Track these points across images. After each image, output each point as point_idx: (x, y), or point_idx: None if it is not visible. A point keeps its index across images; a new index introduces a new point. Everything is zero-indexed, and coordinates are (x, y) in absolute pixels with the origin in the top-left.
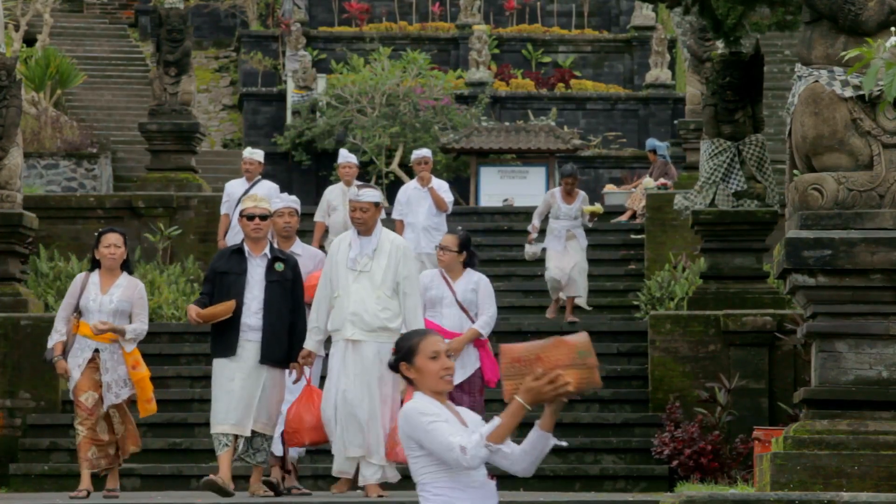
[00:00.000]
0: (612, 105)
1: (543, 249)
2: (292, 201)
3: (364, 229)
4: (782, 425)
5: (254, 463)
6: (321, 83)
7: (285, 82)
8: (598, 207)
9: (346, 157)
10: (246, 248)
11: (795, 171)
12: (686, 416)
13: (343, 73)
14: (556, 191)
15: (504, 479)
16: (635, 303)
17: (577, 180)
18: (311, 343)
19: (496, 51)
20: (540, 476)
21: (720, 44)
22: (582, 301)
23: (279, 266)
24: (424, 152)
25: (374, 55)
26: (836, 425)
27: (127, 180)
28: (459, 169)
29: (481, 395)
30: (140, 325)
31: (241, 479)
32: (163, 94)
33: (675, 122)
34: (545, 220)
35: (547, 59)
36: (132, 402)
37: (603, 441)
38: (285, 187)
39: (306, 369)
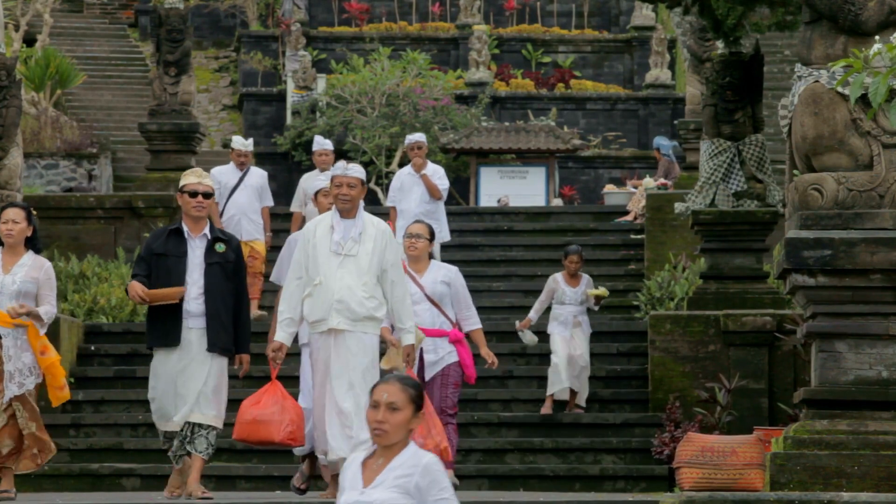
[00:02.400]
0: (612, 105)
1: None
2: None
3: (349, 208)
4: (782, 425)
5: (194, 452)
6: (321, 83)
7: (285, 82)
8: (603, 291)
9: (321, 143)
10: (185, 227)
11: (795, 171)
12: (686, 416)
13: (343, 74)
14: (559, 275)
15: (503, 480)
16: (635, 303)
17: (582, 259)
18: (282, 335)
19: (496, 51)
20: (540, 476)
21: (720, 44)
22: (582, 399)
23: (220, 247)
24: (417, 137)
25: (374, 55)
26: (836, 425)
27: (127, 180)
28: (459, 169)
29: (456, 389)
30: (50, 308)
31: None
32: (163, 94)
33: (675, 122)
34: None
35: (547, 59)
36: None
37: (603, 441)
38: (285, 188)
39: (273, 364)
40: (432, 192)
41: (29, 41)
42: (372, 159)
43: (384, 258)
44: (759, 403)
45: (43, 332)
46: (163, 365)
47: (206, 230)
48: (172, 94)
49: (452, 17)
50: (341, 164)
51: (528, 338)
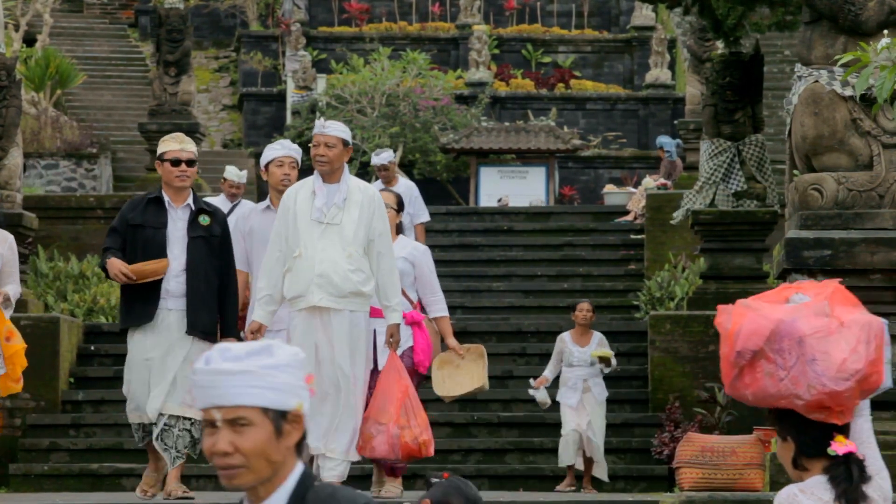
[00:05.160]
0: (612, 105)
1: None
2: (294, 150)
3: (328, 171)
4: None
5: (172, 451)
6: (321, 83)
7: (285, 82)
8: (606, 352)
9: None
10: (166, 197)
11: (795, 171)
12: (686, 416)
13: (343, 74)
14: (567, 334)
15: (504, 479)
16: (635, 303)
17: (594, 311)
18: (261, 314)
19: (496, 51)
20: (539, 476)
21: (720, 44)
22: (601, 472)
23: (204, 219)
24: (382, 158)
25: (374, 55)
26: None
27: (127, 180)
28: (459, 169)
29: (413, 379)
30: (16, 287)
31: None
32: (163, 94)
33: (675, 122)
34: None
35: (547, 59)
36: None
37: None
38: None
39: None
40: (419, 238)
41: (29, 41)
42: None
43: (371, 227)
44: None
45: (9, 315)
46: (137, 348)
47: (190, 200)
48: (172, 94)
49: (452, 17)
50: (319, 121)
51: (541, 397)
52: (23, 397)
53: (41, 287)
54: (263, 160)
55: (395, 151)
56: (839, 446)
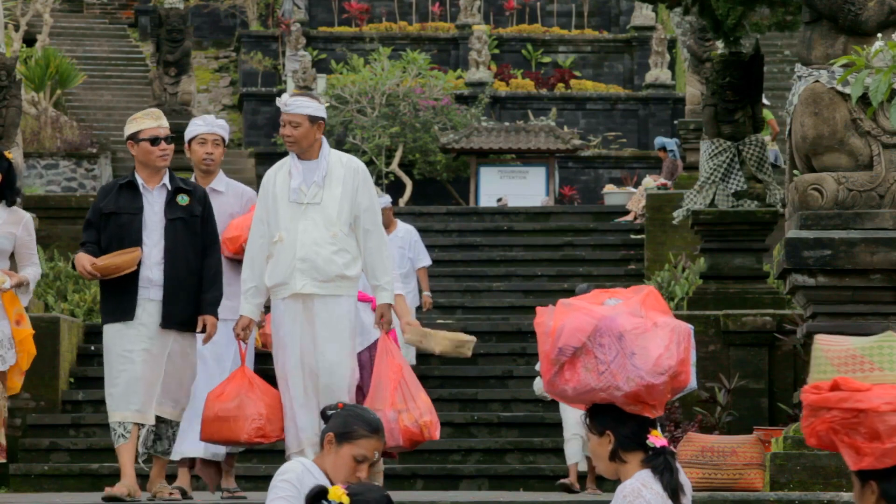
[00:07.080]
0: (612, 105)
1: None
2: (219, 127)
3: (298, 150)
4: (782, 425)
5: (155, 453)
6: (321, 83)
7: (285, 82)
8: None
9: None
10: (139, 179)
11: (795, 171)
12: (686, 416)
13: (343, 74)
14: None
15: (503, 479)
16: None
17: None
18: (248, 308)
19: (496, 51)
20: (539, 476)
21: (720, 44)
22: None
23: (182, 199)
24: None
25: (373, 55)
26: None
27: None
28: (459, 169)
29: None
30: (35, 270)
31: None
32: (163, 94)
33: (675, 122)
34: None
35: (547, 59)
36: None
37: None
38: None
39: (242, 344)
40: (424, 285)
41: (29, 41)
42: (372, 159)
43: (356, 202)
44: (759, 403)
45: (25, 301)
46: (116, 343)
47: (166, 180)
48: (172, 94)
49: (452, 17)
50: (282, 98)
51: (541, 390)
52: (23, 397)
53: (41, 287)
54: (186, 136)
55: (395, 151)
56: (656, 439)
